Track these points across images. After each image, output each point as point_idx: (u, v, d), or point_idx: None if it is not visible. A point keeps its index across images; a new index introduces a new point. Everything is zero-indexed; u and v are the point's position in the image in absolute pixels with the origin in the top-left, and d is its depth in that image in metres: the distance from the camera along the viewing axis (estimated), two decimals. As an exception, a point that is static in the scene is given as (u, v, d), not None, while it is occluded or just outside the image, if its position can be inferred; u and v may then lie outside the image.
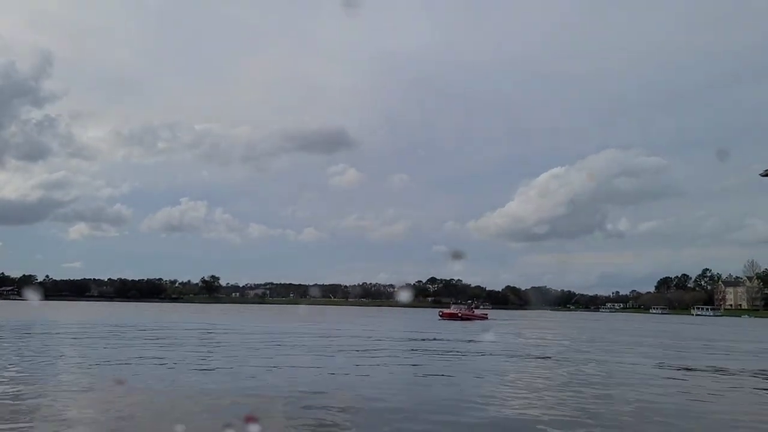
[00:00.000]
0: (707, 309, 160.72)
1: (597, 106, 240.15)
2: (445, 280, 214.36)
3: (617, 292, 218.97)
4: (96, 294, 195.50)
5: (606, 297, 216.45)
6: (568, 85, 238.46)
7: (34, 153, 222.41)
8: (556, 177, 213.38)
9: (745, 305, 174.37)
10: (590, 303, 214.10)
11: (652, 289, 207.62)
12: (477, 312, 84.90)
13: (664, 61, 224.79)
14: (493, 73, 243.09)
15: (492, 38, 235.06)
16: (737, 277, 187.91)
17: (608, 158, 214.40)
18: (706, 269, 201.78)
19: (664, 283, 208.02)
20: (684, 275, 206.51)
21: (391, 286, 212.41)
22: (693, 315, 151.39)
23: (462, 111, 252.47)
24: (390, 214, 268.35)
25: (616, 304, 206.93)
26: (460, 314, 72.63)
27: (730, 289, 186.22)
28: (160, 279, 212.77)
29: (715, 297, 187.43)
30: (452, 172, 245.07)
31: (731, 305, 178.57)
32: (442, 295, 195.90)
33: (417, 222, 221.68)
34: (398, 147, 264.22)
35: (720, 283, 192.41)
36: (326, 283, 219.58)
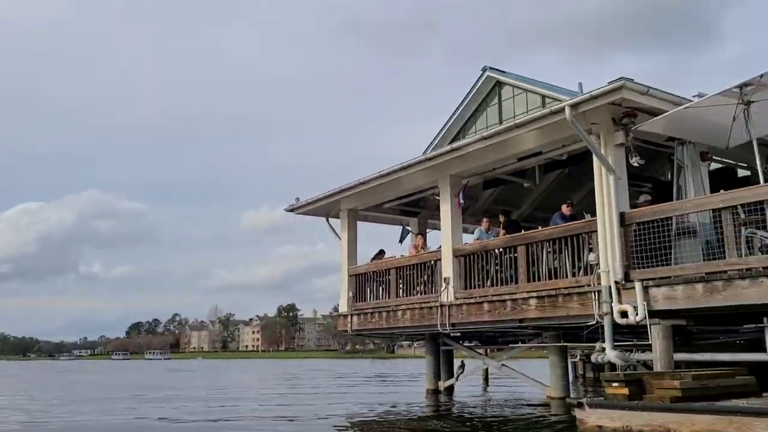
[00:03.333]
0: (158, 353, 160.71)
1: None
2: None
3: (86, 338, 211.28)
4: None
5: (73, 343, 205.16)
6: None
7: None
8: (29, 212, 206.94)
9: (207, 347, 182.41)
10: (55, 350, 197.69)
11: (123, 334, 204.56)
12: None
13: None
14: None
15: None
16: (202, 321, 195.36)
17: (90, 199, 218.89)
18: (176, 314, 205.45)
19: (135, 327, 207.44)
20: (155, 320, 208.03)
21: None
22: (147, 359, 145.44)
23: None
24: None
25: (83, 351, 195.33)
26: None
27: (195, 333, 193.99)
28: None
29: (182, 340, 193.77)
30: None
31: (195, 347, 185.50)
32: None
33: None
34: None
35: (186, 326, 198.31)
36: None
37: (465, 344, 14.75)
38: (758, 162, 8.49)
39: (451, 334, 13.37)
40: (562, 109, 9.55)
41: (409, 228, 17.46)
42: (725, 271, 8.26)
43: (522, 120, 10.48)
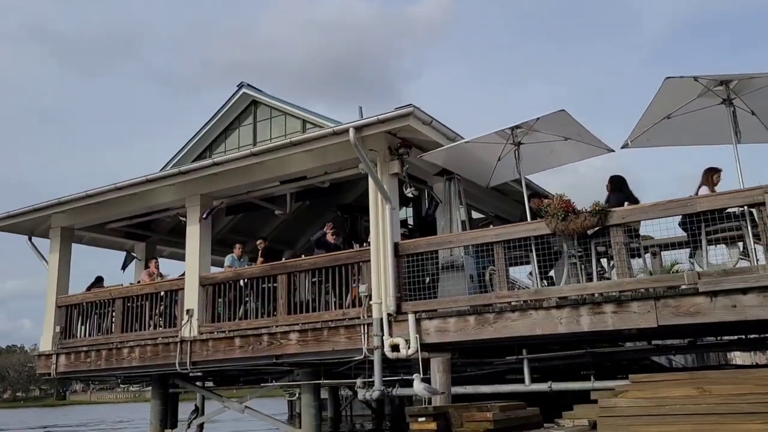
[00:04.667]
0: None
1: None
2: None
3: None
4: None
5: None
6: None
7: None
8: None
9: None
10: None
11: None
12: None
13: None
14: None
15: None
16: None
17: None
18: None
19: None
20: None
21: None
22: None
23: None
24: None
25: None
26: None
27: None
28: None
29: None
30: None
31: None
32: None
33: None
34: None
35: None
36: None
37: (200, 385, 13.14)
38: (526, 199, 9.03)
39: (191, 374, 11.74)
40: (346, 131, 9.10)
41: (134, 254, 15.32)
42: (496, 304, 8.48)
43: (300, 138, 9.77)
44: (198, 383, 13.22)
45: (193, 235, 11.64)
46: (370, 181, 9.68)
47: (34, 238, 14.09)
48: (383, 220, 9.46)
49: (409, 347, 8.84)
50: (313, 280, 10.39)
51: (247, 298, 11.01)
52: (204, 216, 11.38)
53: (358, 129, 9.06)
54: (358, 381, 9.86)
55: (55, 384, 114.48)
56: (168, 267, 16.47)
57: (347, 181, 13.03)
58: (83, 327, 12.95)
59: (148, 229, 15.11)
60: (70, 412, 62.75)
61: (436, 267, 9.45)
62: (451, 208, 10.04)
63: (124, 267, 15.11)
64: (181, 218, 12.26)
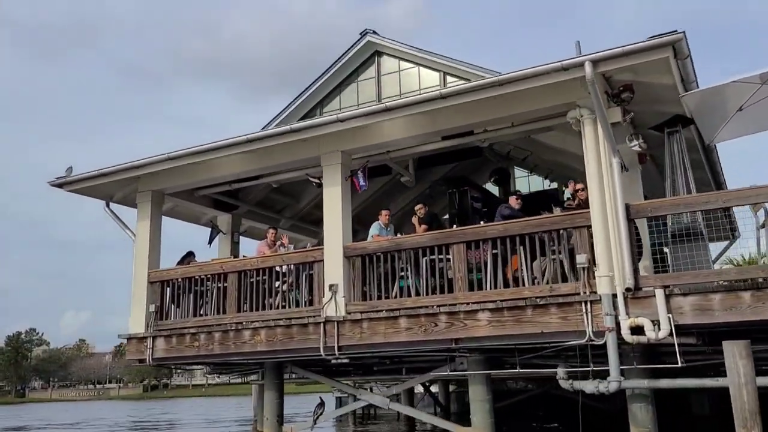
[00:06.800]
0: None
1: None
2: None
3: None
4: None
5: None
6: None
7: None
8: None
9: None
10: None
11: None
12: None
13: None
14: None
15: None
16: None
17: None
18: None
19: None
20: None
21: None
22: None
23: None
24: None
25: None
26: None
27: None
28: None
29: None
30: None
31: None
32: None
33: None
34: None
35: None
36: None
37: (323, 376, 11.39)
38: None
39: (333, 361, 9.97)
40: (579, 65, 7.46)
41: (220, 228, 13.52)
42: (780, 277, 6.92)
43: (510, 75, 8.02)
44: (311, 372, 11.47)
45: (334, 197, 9.90)
46: (586, 132, 8.09)
47: (112, 205, 12.23)
48: (611, 177, 7.84)
49: (658, 329, 7.24)
50: (494, 251, 8.73)
51: (403, 272, 9.31)
52: (359, 178, 9.65)
53: (596, 63, 7.42)
54: (560, 371, 8.26)
55: (14, 381, 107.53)
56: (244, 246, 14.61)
57: (443, 153, 11.48)
58: (178, 308, 11.17)
59: (236, 198, 13.35)
60: (40, 410, 59.57)
61: (673, 234, 7.85)
62: (676, 166, 8.47)
63: (210, 241, 13.31)
64: (312, 180, 10.50)
